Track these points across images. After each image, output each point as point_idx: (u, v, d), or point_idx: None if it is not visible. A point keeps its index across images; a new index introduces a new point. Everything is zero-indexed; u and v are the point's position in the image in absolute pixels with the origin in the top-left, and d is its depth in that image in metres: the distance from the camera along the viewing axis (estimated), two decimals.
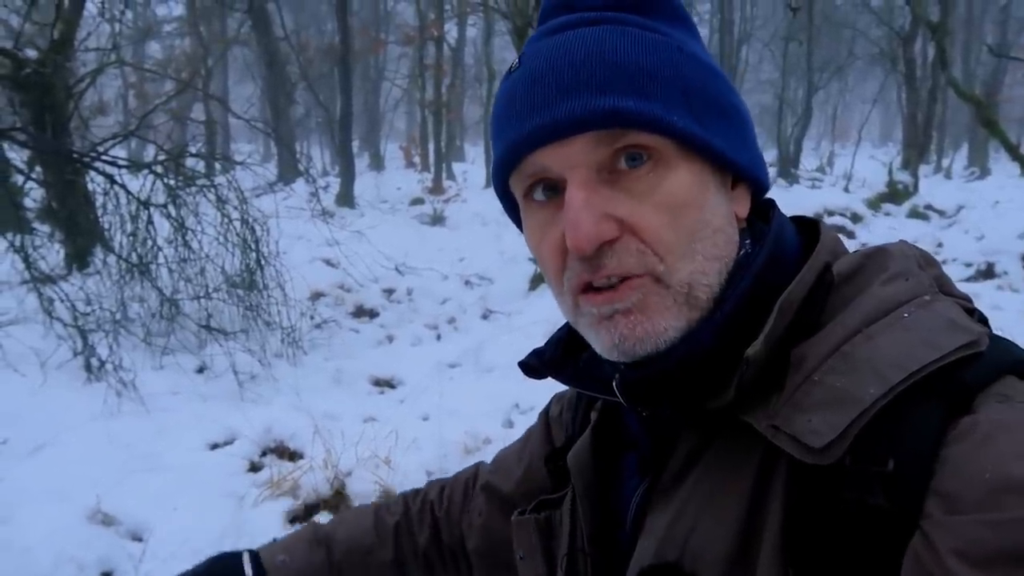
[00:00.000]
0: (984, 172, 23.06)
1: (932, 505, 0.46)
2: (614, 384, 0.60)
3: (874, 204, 13.53)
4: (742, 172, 0.62)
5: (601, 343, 0.59)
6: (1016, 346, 0.56)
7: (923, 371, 0.50)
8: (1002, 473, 0.44)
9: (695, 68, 0.59)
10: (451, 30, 20.36)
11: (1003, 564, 0.42)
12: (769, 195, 0.68)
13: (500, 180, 0.63)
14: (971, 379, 0.51)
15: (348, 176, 14.46)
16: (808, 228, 0.66)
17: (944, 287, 0.59)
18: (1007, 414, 0.48)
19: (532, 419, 3.85)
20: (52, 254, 5.88)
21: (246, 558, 0.91)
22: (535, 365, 0.69)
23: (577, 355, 0.69)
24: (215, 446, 4.04)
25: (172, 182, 5.73)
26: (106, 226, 5.81)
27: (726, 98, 0.61)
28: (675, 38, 0.60)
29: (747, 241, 0.62)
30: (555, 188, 0.59)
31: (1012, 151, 9.01)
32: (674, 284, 0.57)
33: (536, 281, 8.24)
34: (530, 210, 0.62)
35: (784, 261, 0.60)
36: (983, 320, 0.59)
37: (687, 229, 0.57)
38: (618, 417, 0.72)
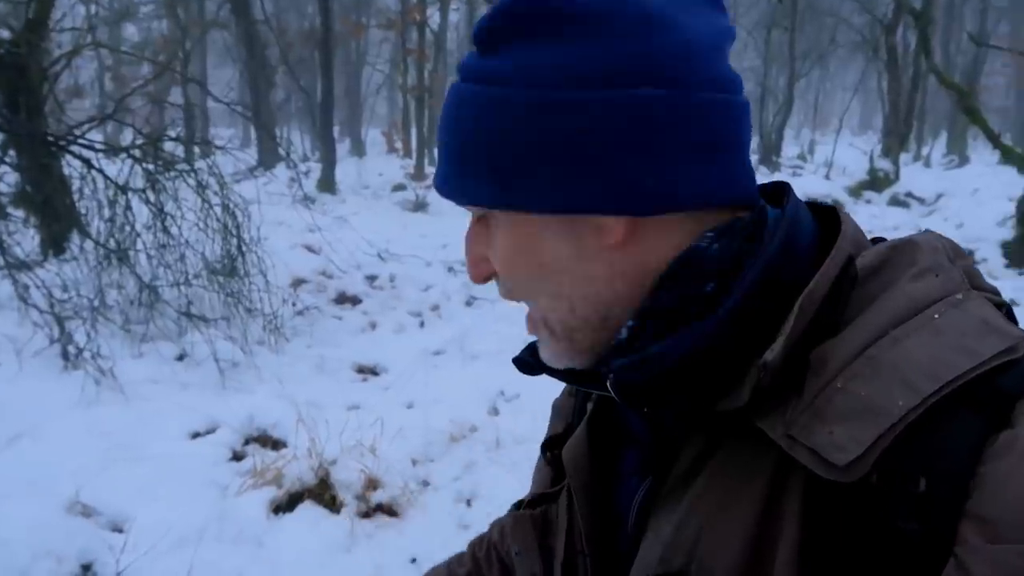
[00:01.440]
0: (963, 160, 23.25)
1: (968, 529, 0.43)
2: (608, 383, 0.57)
3: (855, 192, 13.62)
4: (578, 211, 0.56)
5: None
6: None
7: (958, 381, 0.46)
8: None
9: (520, 116, 0.55)
10: (434, 15, 20.16)
11: None
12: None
13: None
14: (1010, 387, 0.47)
15: (329, 162, 14.32)
16: (826, 216, 0.61)
17: (974, 280, 0.55)
18: None
19: (518, 406, 3.85)
20: (27, 240, 5.75)
21: None
22: (529, 361, 0.68)
23: None
24: (196, 435, 3.98)
25: (151, 167, 5.62)
26: (83, 211, 5.70)
27: (550, 137, 0.54)
28: (505, 82, 0.56)
29: (708, 235, 0.56)
30: None
31: (992, 139, 9.08)
32: (535, 321, 0.63)
33: None
34: None
35: (798, 254, 0.56)
36: (1010, 314, 0.56)
37: (520, 276, 0.61)
38: (616, 410, 0.69)
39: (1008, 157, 9.25)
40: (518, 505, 0.79)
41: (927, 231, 0.59)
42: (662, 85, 0.53)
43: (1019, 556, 0.40)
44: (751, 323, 0.53)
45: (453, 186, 0.61)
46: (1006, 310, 0.55)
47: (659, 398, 0.56)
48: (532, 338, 0.67)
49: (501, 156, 0.56)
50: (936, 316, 0.50)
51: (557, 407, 0.85)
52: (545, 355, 0.64)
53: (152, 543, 2.86)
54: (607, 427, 0.69)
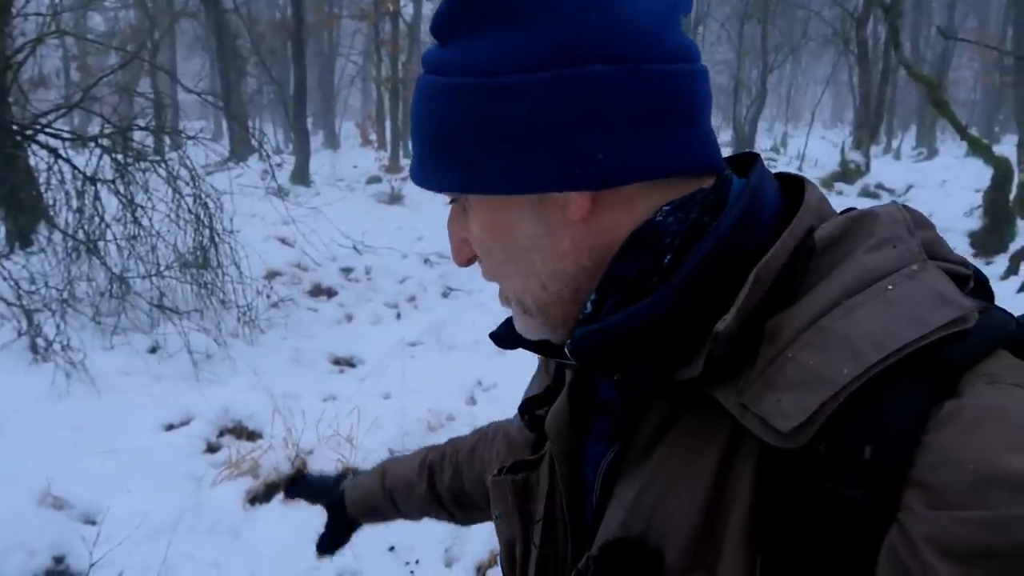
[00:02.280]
0: (932, 153, 23.61)
1: (911, 497, 0.43)
2: (566, 348, 0.60)
3: (827, 183, 13.76)
4: (539, 190, 0.58)
5: None
6: (1012, 318, 0.53)
7: (904, 350, 0.46)
8: (987, 465, 0.42)
9: (476, 103, 0.57)
10: (407, 5, 20.03)
11: (984, 562, 0.40)
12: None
13: None
14: (957, 357, 0.47)
15: (303, 154, 14.18)
16: (794, 186, 0.61)
17: (936, 251, 0.55)
18: (995, 398, 0.45)
19: (495, 396, 3.86)
20: None
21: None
22: (504, 335, 0.71)
23: None
24: (170, 427, 3.94)
25: (120, 158, 5.52)
26: (50, 202, 5.59)
27: (504, 118, 0.56)
28: (459, 71, 0.58)
29: (663, 209, 0.57)
30: None
31: (960, 130, 9.21)
32: (509, 299, 0.65)
33: None
34: None
35: (759, 223, 0.56)
36: (983, 283, 0.57)
37: (495, 257, 0.63)
38: (591, 380, 0.70)
39: (975, 148, 9.40)
40: (499, 471, 0.79)
41: (892, 203, 0.59)
42: (611, 61, 0.54)
43: (960, 522, 0.41)
44: (707, 293, 0.54)
45: (426, 175, 0.63)
46: (975, 279, 0.56)
47: (616, 365, 0.57)
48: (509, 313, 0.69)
49: (463, 143, 0.58)
50: (889, 287, 0.50)
51: (542, 364, 0.86)
52: (520, 329, 0.66)
53: (126, 535, 2.83)
54: (583, 396, 0.71)
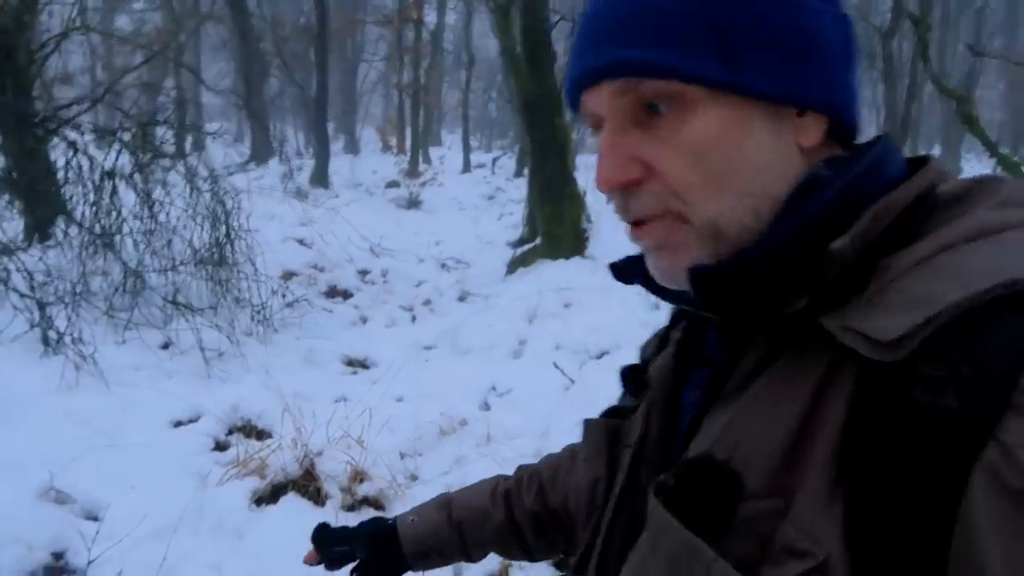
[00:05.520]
0: (956, 172, 23.33)
1: (1013, 419, 0.42)
2: (687, 275, 0.57)
3: None
4: (803, 103, 0.57)
5: (651, 272, 0.62)
6: None
7: (1014, 286, 0.45)
8: None
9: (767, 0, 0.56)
10: (430, 13, 20.08)
11: None
12: None
13: (575, 107, 0.65)
14: None
15: (323, 156, 14.21)
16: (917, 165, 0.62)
17: None
18: None
19: (509, 401, 3.74)
20: (12, 225, 5.62)
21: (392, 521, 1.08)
22: (622, 267, 0.67)
23: None
24: (179, 424, 3.87)
25: (140, 157, 5.49)
26: (68, 196, 5.57)
27: (785, 22, 0.56)
28: None
29: (821, 164, 0.58)
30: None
31: (991, 147, 9.02)
32: (697, 223, 0.57)
33: (515, 265, 8.11)
34: (596, 143, 0.64)
35: (884, 181, 0.57)
36: None
37: (711, 171, 0.56)
38: (700, 336, 0.70)
39: (1005, 166, 9.19)
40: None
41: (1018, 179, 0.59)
42: (844, 7, 0.60)
43: None
44: (828, 233, 0.53)
45: (646, 57, 0.55)
46: None
47: (732, 299, 0.57)
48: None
49: (731, 31, 0.55)
50: (1010, 235, 0.50)
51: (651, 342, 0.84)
52: (671, 263, 0.59)
53: (127, 532, 2.74)
54: (691, 353, 0.71)
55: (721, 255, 0.57)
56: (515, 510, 1.00)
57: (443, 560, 1.06)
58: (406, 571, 1.07)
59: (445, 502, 1.06)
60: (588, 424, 0.79)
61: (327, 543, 1.07)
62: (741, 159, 0.56)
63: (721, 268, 0.56)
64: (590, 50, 0.58)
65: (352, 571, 1.06)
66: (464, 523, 1.03)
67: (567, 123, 8.36)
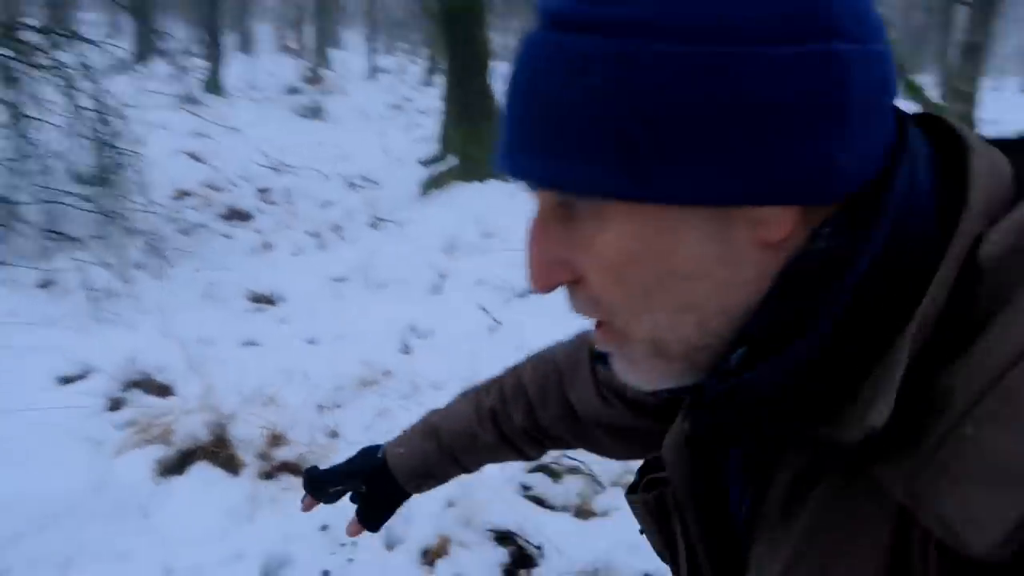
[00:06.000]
0: None
1: None
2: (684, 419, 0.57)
3: None
4: (754, 199, 0.46)
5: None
6: None
7: None
8: None
9: (663, 83, 0.44)
10: None
11: None
12: None
13: None
14: None
15: (215, 59, 13.14)
16: (954, 151, 0.49)
17: None
18: None
19: (431, 344, 3.52)
20: None
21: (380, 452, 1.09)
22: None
23: None
24: (65, 381, 3.48)
25: (5, 53, 4.78)
26: None
27: (719, 106, 0.44)
28: (646, 32, 0.45)
29: (826, 231, 0.47)
30: None
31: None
32: (635, 339, 0.52)
33: (428, 186, 7.76)
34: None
35: (913, 236, 0.46)
36: None
37: (633, 287, 0.50)
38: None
39: (910, 90, 9.41)
40: (633, 488, 0.72)
41: None
42: (847, 39, 0.45)
43: None
44: (858, 334, 0.47)
45: (542, 169, 0.49)
46: None
47: (752, 424, 0.52)
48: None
49: (635, 132, 0.45)
50: None
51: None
52: (631, 376, 0.55)
53: (7, 522, 2.43)
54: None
55: (696, 372, 0.52)
56: (503, 428, 1.01)
57: (440, 481, 1.10)
58: (405, 499, 1.10)
59: (431, 431, 1.07)
60: (631, 502, 0.72)
61: (321, 487, 1.09)
62: (667, 273, 0.49)
63: (716, 396, 0.51)
64: (503, 149, 0.52)
65: (351, 499, 1.10)
66: (455, 447, 1.05)
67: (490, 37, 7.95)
